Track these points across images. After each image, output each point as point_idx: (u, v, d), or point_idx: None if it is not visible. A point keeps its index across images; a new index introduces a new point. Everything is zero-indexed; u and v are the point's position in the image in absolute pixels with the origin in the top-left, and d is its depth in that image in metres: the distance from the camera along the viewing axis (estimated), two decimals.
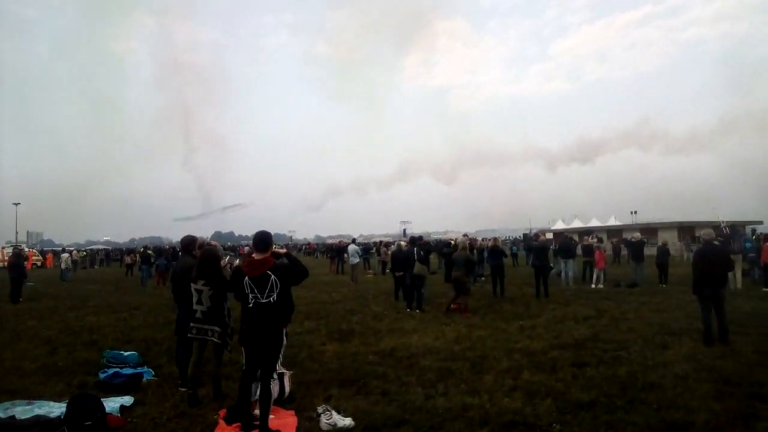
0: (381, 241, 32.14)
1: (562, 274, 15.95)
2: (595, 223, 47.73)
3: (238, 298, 4.38)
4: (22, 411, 4.68)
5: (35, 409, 4.75)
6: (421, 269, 11.43)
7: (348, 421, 4.41)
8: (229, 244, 61.48)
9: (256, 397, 4.55)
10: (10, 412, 4.64)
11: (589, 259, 16.23)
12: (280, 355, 4.59)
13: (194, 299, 5.07)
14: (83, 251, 46.87)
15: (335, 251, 26.09)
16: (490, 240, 17.31)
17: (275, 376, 4.52)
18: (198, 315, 5.06)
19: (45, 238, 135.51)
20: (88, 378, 6.13)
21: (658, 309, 10.50)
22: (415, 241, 13.26)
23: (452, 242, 18.09)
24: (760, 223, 36.35)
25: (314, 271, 24.00)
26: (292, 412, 4.77)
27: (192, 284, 5.09)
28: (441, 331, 8.72)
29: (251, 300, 4.24)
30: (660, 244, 16.94)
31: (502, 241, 26.96)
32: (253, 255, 4.44)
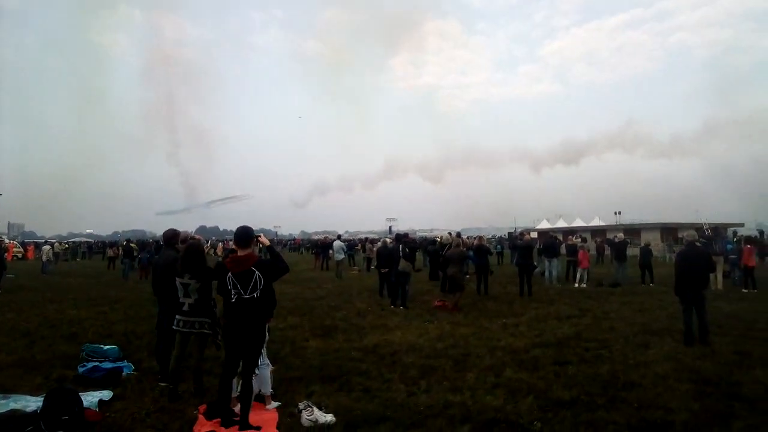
0: (366, 238, 32.09)
1: (546, 273, 16.11)
2: (579, 223, 48.20)
3: (221, 292, 4.35)
4: None
5: (11, 403, 4.65)
6: (406, 266, 11.46)
7: (329, 418, 4.39)
8: (213, 238, 61.00)
9: (237, 392, 4.52)
10: None
11: (573, 259, 16.36)
12: (263, 351, 4.55)
13: (180, 292, 5.01)
14: (65, 244, 46.19)
15: (320, 247, 26.09)
16: (475, 238, 17.37)
17: (257, 371, 4.47)
18: (185, 308, 5.00)
19: (26, 230, 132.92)
20: (67, 372, 6.02)
21: (640, 309, 10.64)
22: (401, 238, 13.24)
23: (438, 240, 18.11)
24: (741, 225, 37.14)
25: (299, 267, 24.24)
26: (274, 408, 4.74)
27: (177, 278, 5.03)
28: (424, 328, 8.74)
29: (234, 295, 4.20)
30: (643, 244, 17.19)
31: (487, 239, 27.13)
32: (237, 251, 4.39)
